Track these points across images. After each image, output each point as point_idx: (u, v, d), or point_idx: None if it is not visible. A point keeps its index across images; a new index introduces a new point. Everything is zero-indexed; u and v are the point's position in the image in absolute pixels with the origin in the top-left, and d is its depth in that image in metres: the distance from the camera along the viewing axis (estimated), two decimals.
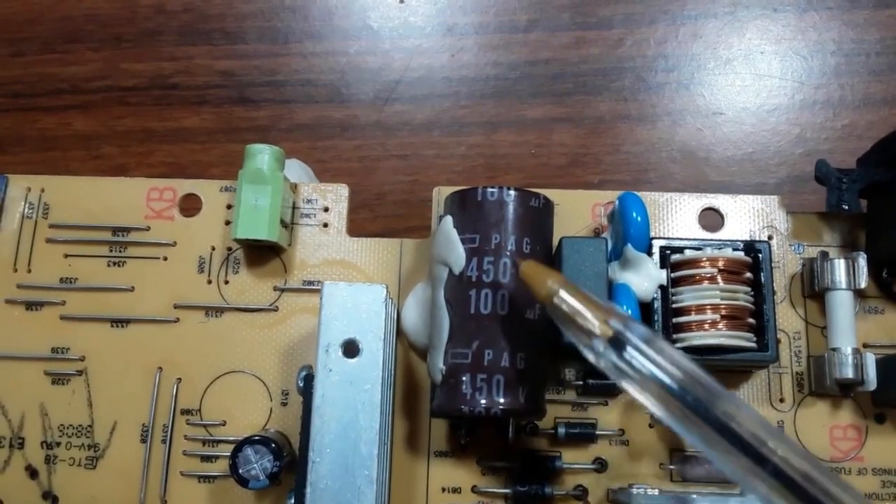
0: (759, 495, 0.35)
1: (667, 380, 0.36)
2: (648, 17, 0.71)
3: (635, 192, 0.48)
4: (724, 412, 0.35)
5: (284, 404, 0.49)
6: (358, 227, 0.54)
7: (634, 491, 0.45)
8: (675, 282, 0.47)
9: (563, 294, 0.40)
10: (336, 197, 0.52)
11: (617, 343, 0.37)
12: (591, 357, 0.39)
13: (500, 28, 0.71)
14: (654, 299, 0.47)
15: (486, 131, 0.69)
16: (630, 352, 0.37)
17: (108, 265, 0.51)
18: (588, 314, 0.39)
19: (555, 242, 0.48)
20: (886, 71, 0.69)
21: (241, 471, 0.45)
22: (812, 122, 0.68)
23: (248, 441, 0.45)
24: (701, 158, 0.68)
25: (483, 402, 0.44)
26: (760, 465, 0.34)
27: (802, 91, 0.69)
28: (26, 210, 0.52)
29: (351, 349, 0.43)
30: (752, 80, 0.70)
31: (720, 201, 0.52)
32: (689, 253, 0.47)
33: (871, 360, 0.47)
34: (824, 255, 0.49)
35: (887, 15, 0.70)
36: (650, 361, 0.37)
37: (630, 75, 0.70)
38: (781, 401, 0.49)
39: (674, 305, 0.47)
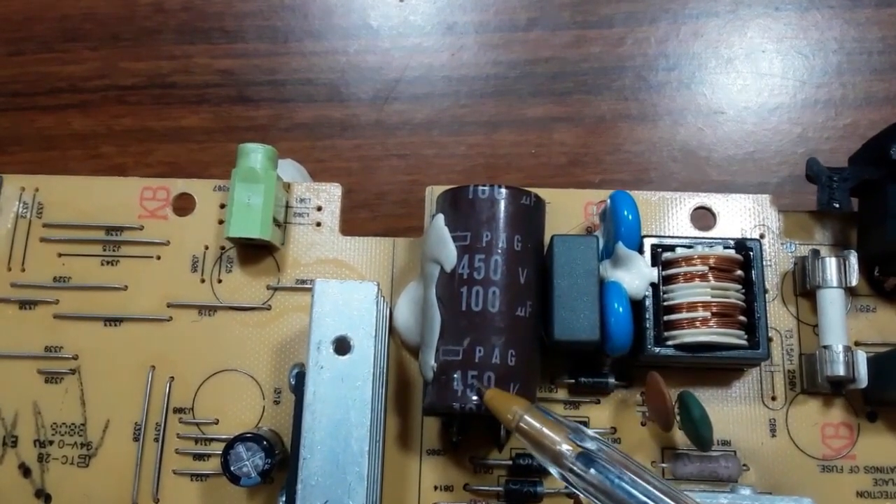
0: None
1: (635, 491, 0.38)
2: (649, 15, 0.71)
3: (626, 191, 0.48)
4: None
5: (277, 402, 0.49)
6: (358, 226, 0.54)
7: None
8: (667, 279, 0.47)
9: (528, 418, 0.41)
10: (329, 196, 0.53)
11: (586, 458, 0.39)
12: (556, 474, 0.40)
13: (501, 27, 0.71)
14: (645, 297, 0.47)
15: (486, 131, 0.69)
16: (599, 465, 0.38)
17: (102, 264, 0.51)
18: (554, 435, 0.40)
19: (546, 240, 0.48)
20: (888, 70, 0.69)
21: (232, 468, 0.45)
22: (814, 121, 0.68)
23: (240, 438, 0.45)
24: (702, 158, 0.67)
25: (474, 398, 0.44)
26: None
27: (804, 90, 0.69)
28: (20, 209, 0.52)
29: (342, 346, 0.43)
30: (753, 79, 0.70)
31: (712, 200, 0.52)
32: (680, 251, 0.47)
33: (862, 357, 0.47)
34: (816, 253, 0.49)
35: (889, 13, 0.70)
36: (617, 473, 0.38)
37: (631, 74, 0.70)
38: (773, 399, 0.49)
39: (665, 303, 0.47)
